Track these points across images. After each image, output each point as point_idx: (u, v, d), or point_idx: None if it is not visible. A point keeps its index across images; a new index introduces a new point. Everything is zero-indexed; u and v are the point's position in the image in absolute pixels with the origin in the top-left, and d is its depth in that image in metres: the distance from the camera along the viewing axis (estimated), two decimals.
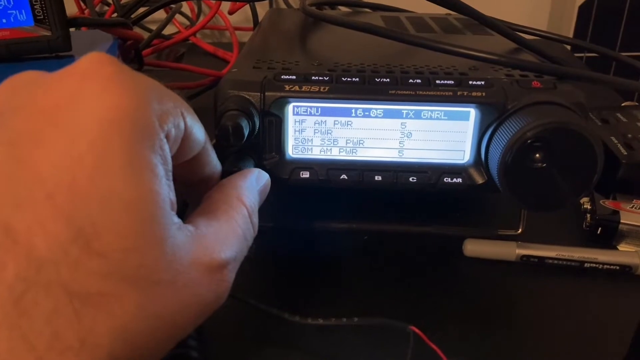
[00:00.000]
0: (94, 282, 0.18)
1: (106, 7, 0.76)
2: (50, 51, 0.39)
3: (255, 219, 0.26)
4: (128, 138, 0.19)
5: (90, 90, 0.19)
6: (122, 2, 0.67)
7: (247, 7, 0.75)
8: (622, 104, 0.55)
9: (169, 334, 0.20)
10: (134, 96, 0.20)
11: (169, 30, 0.74)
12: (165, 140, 0.21)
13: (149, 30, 0.76)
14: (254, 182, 0.28)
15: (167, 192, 0.20)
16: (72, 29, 0.40)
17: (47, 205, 0.18)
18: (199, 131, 0.24)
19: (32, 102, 0.20)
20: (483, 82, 0.34)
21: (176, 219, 0.21)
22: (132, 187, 0.19)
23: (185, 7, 0.79)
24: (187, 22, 0.80)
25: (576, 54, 0.82)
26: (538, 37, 0.59)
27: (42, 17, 0.37)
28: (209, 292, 0.21)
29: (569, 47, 0.79)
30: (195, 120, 0.23)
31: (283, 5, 0.81)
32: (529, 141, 0.30)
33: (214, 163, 0.27)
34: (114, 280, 0.18)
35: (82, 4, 0.72)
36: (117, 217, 0.18)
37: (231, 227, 0.24)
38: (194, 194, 0.27)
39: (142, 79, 0.21)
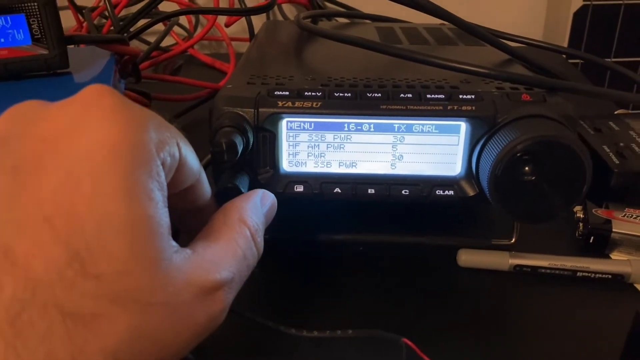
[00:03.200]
0: (87, 303, 0.18)
1: (104, 20, 0.77)
2: (47, 69, 0.39)
3: (260, 240, 0.26)
4: (126, 164, 0.20)
5: (90, 119, 0.20)
6: (120, 15, 0.68)
7: (244, 18, 0.76)
8: (615, 112, 0.56)
9: (162, 355, 0.20)
10: (132, 125, 0.20)
11: (166, 42, 0.75)
12: (161, 167, 0.21)
13: (146, 43, 0.77)
14: (257, 203, 0.28)
15: (163, 216, 0.21)
16: (69, 46, 0.40)
17: (46, 229, 0.18)
18: (193, 161, 0.24)
19: (34, 130, 0.20)
20: (473, 96, 0.34)
21: (173, 243, 0.21)
22: (128, 212, 0.19)
23: (182, 19, 0.80)
24: (185, 34, 0.81)
25: (571, 61, 0.82)
26: (531, 47, 0.59)
27: (39, 36, 0.38)
28: (203, 313, 0.22)
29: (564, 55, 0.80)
30: (190, 150, 0.24)
31: (279, 17, 0.81)
32: (518, 154, 0.31)
33: (207, 193, 0.27)
34: (106, 301, 0.18)
35: (80, 18, 0.72)
36: (112, 241, 0.19)
37: (230, 248, 0.24)
38: (186, 224, 0.27)
39: (140, 109, 0.22)
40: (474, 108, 0.34)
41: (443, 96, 0.34)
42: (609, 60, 0.83)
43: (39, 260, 0.18)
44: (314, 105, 0.34)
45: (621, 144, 0.46)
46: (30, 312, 0.17)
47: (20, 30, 0.37)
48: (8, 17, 0.37)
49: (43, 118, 0.21)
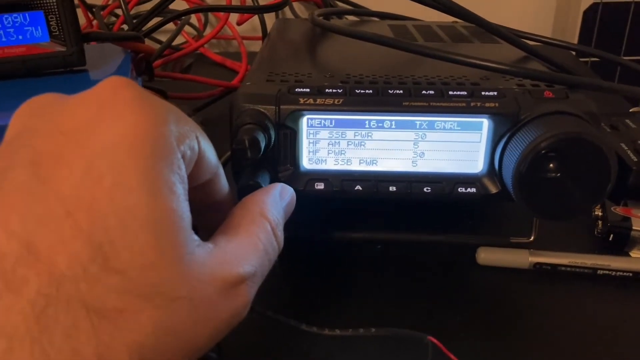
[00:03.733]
0: (112, 298, 0.18)
1: (114, 18, 0.76)
2: (65, 66, 0.39)
3: (280, 234, 0.26)
4: (147, 158, 0.19)
5: (110, 112, 0.20)
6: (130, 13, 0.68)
7: (255, 17, 0.75)
8: (630, 110, 0.55)
9: (186, 350, 0.20)
10: (152, 118, 0.20)
11: (176, 40, 0.74)
12: (182, 160, 0.21)
13: (157, 42, 0.77)
14: (277, 197, 0.28)
15: (185, 210, 0.20)
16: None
17: (68, 223, 0.18)
18: (212, 155, 0.24)
19: (53, 123, 0.20)
20: (496, 93, 0.34)
21: (195, 237, 0.21)
22: (150, 205, 0.19)
23: (192, 18, 0.80)
24: (194, 33, 0.81)
25: (581, 59, 0.82)
26: (542, 44, 0.59)
27: (57, 33, 0.38)
28: (227, 308, 0.21)
29: (574, 53, 0.80)
30: (208, 144, 0.24)
31: (290, 15, 0.81)
32: (543, 152, 0.31)
33: (225, 188, 0.27)
34: (131, 296, 0.18)
35: (90, 16, 0.72)
36: (135, 235, 0.18)
37: (252, 242, 0.24)
38: (203, 220, 0.27)
39: (160, 102, 0.21)
40: (497, 105, 0.33)
41: (465, 93, 0.34)
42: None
43: (62, 255, 0.18)
44: (336, 102, 0.34)
45: (639, 142, 0.46)
46: (56, 308, 0.17)
47: (39, 27, 0.37)
48: (26, 14, 0.36)
49: (61, 111, 0.21)
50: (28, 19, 0.37)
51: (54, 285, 0.17)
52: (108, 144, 0.19)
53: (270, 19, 0.74)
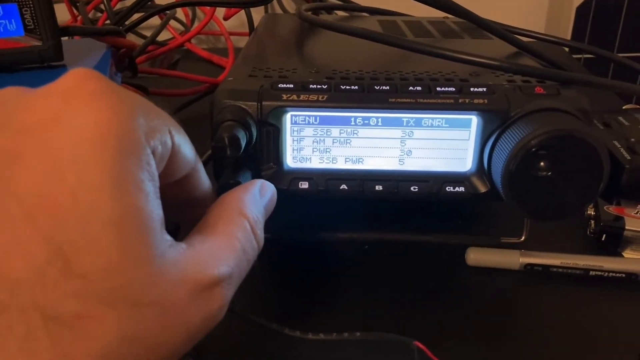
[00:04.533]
0: (72, 304, 0.17)
1: (99, 14, 0.75)
2: (41, 61, 0.38)
3: (260, 232, 0.25)
4: (112, 153, 0.18)
5: (74, 106, 0.19)
6: (114, 8, 0.67)
7: (243, 12, 0.74)
8: (624, 107, 0.55)
9: (155, 356, 0.19)
10: (119, 112, 0.19)
11: (163, 36, 0.73)
12: (152, 156, 0.20)
13: (143, 37, 0.76)
14: (257, 194, 0.26)
15: (155, 209, 0.19)
16: (64, 38, 0.39)
17: (26, 225, 0.17)
18: (187, 150, 0.23)
19: (14, 119, 0.19)
20: (485, 89, 0.33)
21: (167, 237, 0.20)
22: (115, 204, 0.18)
23: (179, 13, 0.78)
24: (182, 28, 0.79)
25: (574, 56, 0.81)
26: (535, 40, 0.58)
27: (32, 26, 0.36)
28: (200, 311, 0.20)
29: (567, 49, 0.79)
30: (184, 138, 0.23)
31: (279, 10, 0.80)
32: (533, 149, 0.30)
33: (205, 183, 0.26)
34: (92, 301, 0.17)
35: (75, 11, 0.71)
36: (99, 236, 0.17)
37: (229, 242, 0.23)
38: (184, 216, 0.26)
39: (128, 94, 0.20)
40: (486, 101, 0.32)
41: (453, 89, 0.33)
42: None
43: (18, 258, 0.16)
44: (320, 99, 0.33)
45: (632, 140, 0.45)
46: (9, 316, 0.16)
47: (13, 21, 0.36)
48: None
49: (22, 106, 0.19)
50: (1, 12, 0.35)
51: (7, 291, 0.16)
52: (71, 140, 0.18)
53: (258, 14, 0.73)
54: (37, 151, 0.18)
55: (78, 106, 0.19)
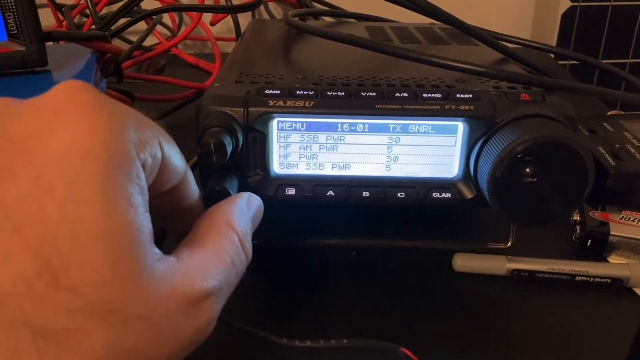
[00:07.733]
0: (60, 317, 0.17)
1: (85, 19, 0.75)
2: (25, 67, 0.37)
3: (248, 245, 0.25)
4: (102, 166, 0.18)
5: (64, 119, 0.19)
6: (100, 13, 0.66)
7: (229, 17, 0.74)
8: (608, 113, 0.55)
9: None
10: (108, 124, 0.19)
11: (149, 41, 0.73)
12: (142, 169, 0.20)
13: (129, 42, 0.75)
14: (244, 207, 0.26)
15: (144, 222, 0.19)
16: (49, 43, 0.39)
17: (14, 238, 0.17)
18: (177, 161, 0.23)
19: (3, 131, 0.19)
20: (471, 95, 0.33)
21: (156, 251, 0.20)
22: (104, 218, 0.18)
23: (166, 18, 0.78)
24: (168, 33, 0.79)
25: (560, 62, 0.82)
26: (521, 46, 0.59)
27: (15, 31, 0.36)
28: (189, 325, 0.20)
29: (552, 56, 0.80)
30: (174, 149, 0.22)
31: (266, 16, 0.80)
32: (519, 155, 0.30)
33: (195, 193, 0.26)
34: (81, 315, 0.17)
35: (60, 16, 0.70)
36: (88, 249, 0.17)
37: (217, 255, 0.23)
38: (173, 226, 0.26)
39: (118, 106, 0.20)
40: (472, 107, 0.32)
41: (440, 95, 0.33)
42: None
43: (6, 272, 0.16)
44: (307, 105, 0.33)
45: (616, 145, 0.45)
46: None
47: None
48: None
49: (11, 117, 0.19)
50: None
51: None
52: (60, 152, 0.18)
53: (245, 19, 0.72)
54: (26, 163, 0.18)
55: (68, 118, 0.19)
